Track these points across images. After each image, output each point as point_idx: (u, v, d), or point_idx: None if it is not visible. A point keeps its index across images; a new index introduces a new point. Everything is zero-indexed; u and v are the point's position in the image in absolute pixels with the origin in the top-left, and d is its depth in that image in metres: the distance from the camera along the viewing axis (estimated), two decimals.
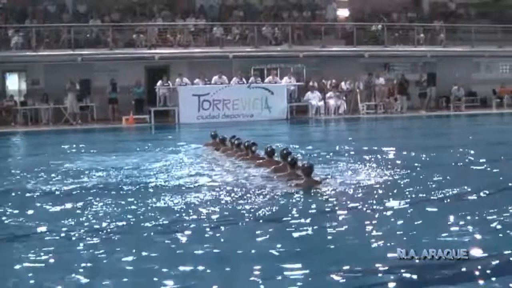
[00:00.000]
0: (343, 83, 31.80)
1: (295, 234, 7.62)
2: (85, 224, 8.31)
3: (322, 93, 30.92)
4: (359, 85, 32.12)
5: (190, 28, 32.33)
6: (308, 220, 8.24)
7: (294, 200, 9.44)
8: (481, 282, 5.79)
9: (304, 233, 7.67)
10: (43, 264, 6.67)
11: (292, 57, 32.13)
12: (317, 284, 5.98)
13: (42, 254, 6.98)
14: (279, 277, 6.07)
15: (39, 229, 8.09)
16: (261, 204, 9.15)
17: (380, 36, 34.21)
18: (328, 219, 8.37)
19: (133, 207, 9.29)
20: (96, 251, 7.10)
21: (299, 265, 6.34)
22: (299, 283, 5.93)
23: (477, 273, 5.97)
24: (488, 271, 6.03)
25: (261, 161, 12.41)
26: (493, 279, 5.87)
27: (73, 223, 8.35)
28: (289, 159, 10.98)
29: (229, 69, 30.78)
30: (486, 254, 6.49)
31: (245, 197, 9.71)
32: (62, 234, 7.81)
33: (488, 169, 12.77)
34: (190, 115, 27.89)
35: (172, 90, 29.01)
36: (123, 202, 9.65)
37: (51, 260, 6.79)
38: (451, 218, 7.99)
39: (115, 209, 9.19)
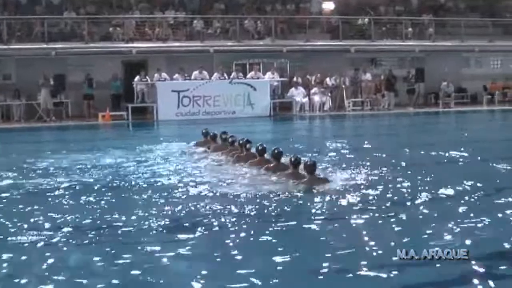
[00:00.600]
0: (328, 79, 31.75)
1: (295, 234, 7.75)
2: (58, 225, 8.18)
3: (306, 89, 30.96)
4: (345, 81, 32.20)
5: (169, 21, 32.18)
6: (310, 219, 8.33)
7: (296, 199, 9.50)
8: (481, 282, 5.87)
9: (304, 233, 7.79)
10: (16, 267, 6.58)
11: (276, 52, 32.07)
12: (317, 284, 6.10)
13: (13, 257, 6.91)
14: (278, 277, 6.17)
15: (10, 230, 7.96)
16: (262, 205, 9.10)
17: (367, 30, 34.27)
18: (329, 218, 8.49)
19: (114, 209, 9.08)
20: (70, 254, 7.00)
21: (296, 265, 6.49)
22: (298, 282, 6.09)
23: (477, 273, 6.07)
24: (488, 271, 6.14)
25: (253, 160, 12.26)
26: (493, 279, 5.95)
27: (44, 224, 8.24)
28: (292, 159, 10.81)
29: (210, 64, 30.69)
30: (486, 254, 6.65)
31: (243, 198, 9.62)
32: (32, 236, 7.69)
33: (482, 168, 12.91)
34: (169, 111, 27.78)
35: (151, 85, 28.88)
36: (100, 204, 9.50)
37: (22, 264, 6.69)
38: (451, 218, 8.09)
39: (91, 210, 9.04)
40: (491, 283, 5.84)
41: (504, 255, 6.69)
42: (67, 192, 10.56)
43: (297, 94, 30.54)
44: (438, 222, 7.95)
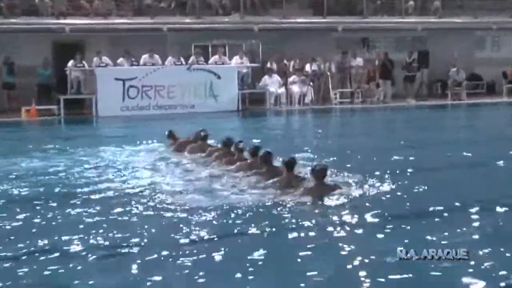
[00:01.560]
0: (309, 65, 31.49)
1: (296, 242, 8.29)
2: None
3: (283, 78, 30.70)
4: (331, 67, 31.87)
5: None
6: (314, 225, 8.97)
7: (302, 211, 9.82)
8: (481, 282, 6.66)
9: (308, 240, 8.29)
10: None
11: (245, 31, 31.92)
12: (316, 284, 6.83)
13: None
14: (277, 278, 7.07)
15: None
16: (264, 218, 9.35)
17: (358, 5, 34.15)
18: (329, 218, 9.30)
19: (51, 227, 9.10)
20: None
21: (294, 265, 7.37)
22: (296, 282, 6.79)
23: (477, 273, 6.89)
24: (488, 271, 6.97)
25: (244, 163, 12.57)
26: (494, 279, 6.78)
27: None
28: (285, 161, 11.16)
29: (163, 46, 30.46)
30: (486, 254, 7.50)
31: (237, 210, 9.76)
32: None
33: (485, 169, 13.71)
34: (112, 105, 27.32)
35: (88, 72, 28.48)
36: (27, 218, 9.48)
37: None
38: (451, 218, 9.32)
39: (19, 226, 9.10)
40: (491, 283, 6.64)
41: (505, 256, 7.46)
42: None
43: (272, 84, 30.11)
44: (438, 222, 9.10)
